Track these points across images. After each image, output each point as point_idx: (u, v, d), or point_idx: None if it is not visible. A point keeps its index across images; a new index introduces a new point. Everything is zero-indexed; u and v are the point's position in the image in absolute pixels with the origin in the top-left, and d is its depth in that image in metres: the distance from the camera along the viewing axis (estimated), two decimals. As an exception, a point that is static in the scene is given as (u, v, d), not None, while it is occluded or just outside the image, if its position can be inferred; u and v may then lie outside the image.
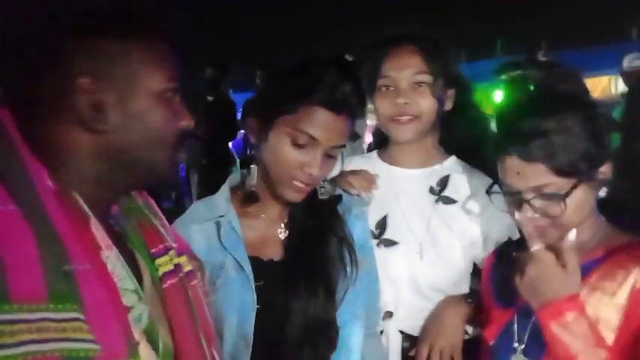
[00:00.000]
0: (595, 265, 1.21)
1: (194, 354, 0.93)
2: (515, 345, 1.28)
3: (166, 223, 1.03)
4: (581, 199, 1.19)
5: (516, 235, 1.38)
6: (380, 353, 1.54)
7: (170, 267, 0.96)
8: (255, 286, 1.36)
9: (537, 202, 1.19)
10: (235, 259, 1.37)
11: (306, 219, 1.44)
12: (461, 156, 1.68)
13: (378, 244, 1.59)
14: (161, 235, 0.98)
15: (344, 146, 1.40)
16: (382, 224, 1.62)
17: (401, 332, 1.59)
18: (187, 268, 1.00)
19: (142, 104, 0.86)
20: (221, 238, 1.39)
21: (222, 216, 1.41)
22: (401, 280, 1.59)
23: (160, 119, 0.88)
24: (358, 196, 1.56)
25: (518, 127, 1.19)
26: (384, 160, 1.71)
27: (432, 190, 1.64)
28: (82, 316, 0.73)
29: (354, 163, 1.67)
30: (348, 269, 1.41)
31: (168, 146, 0.90)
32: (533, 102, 1.24)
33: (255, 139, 1.41)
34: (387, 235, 1.61)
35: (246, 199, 1.45)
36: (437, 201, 1.63)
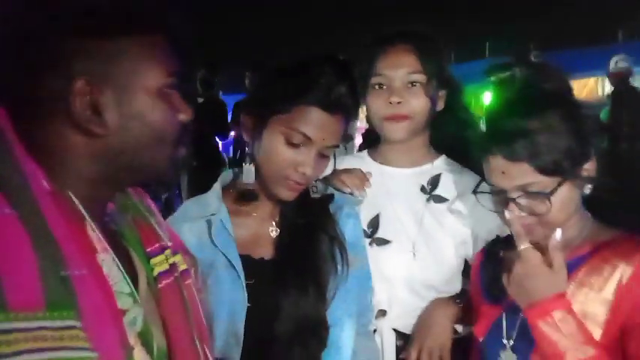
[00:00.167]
0: (581, 261, 1.23)
1: (188, 354, 0.92)
2: (505, 341, 1.29)
3: (161, 219, 1.03)
4: (566, 197, 1.20)
5: (505, 233, 1.40)
6: (372, 351, 1.55)
7: (165, 266, 0.95)
8: (246, 284, 1.36)
9: (523, 201, 1.21)
10: (226, 257, 1.37)
11: (297, 217, 1.44)
12: (450, 155, 1.69)
13: (370, 243, 1.60)
14: (157, 234, 0.97)
15: (338, 146, 1.41)
16: (374, 223, 1.63)
17: (395, 331, 1.60)
18: (182, 266, 0.99)
19: (142, 103, 0.85)
20: (212, 236, 1.39)
21: (213, 214, 1.41)
22: (394, 279, 1.60)
23: (159, 117, 0.86)
24: (351, 194, 1.57)
25: (502, 126, 1.21)
26: (375, 160, 1.72)
27: (423, 189, 1.66)
28: (78, 324, 0.72)
29: (346, 163, 1.68)
30: (339, 268, 1.42)
31: (168, 143, 0.89)
32: (517, 102, 1.26)
33: (249, 138, 1.41)
34: (379, 234, 1.62)
35: (243, 197, 1.45)
36: (428, 200, 1.65)
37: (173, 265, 0.96)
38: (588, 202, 1.27)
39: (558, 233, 1.19)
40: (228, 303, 1.35)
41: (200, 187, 1.63)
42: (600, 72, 6.32)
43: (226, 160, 6.01)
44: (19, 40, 0.81)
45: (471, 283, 1.50)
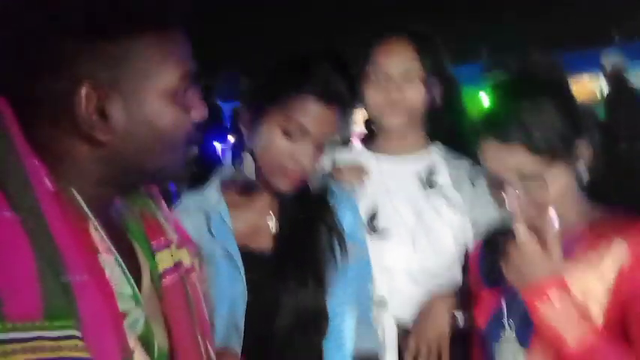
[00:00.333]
0: (578, 240, 1.24)
1: (190, 353, 0.91)
2: (506, 326, 1.30)
3: (168, 211, 1.00)
4: (560, 178, 1.22)
5: (503, 219, 1.40)
6: (373, 340, 1.55)
7: (170, 263, 0.92)
8: (246, 276, 1.37)
9: (519, 184, 1.22)
10: (226, 249, 1.38)
11: (296, 210, 1.45)
12: (446, 145, 1.71)
13: (369, 234, 1.61)
14: (163, 228, 0.95)
15: (334, 137, 1.42)
16: (373, 214, 1.64)
17: (396, 320, 1.61)
18: (187, 262, 0.97)
19: (152, 108, 0.80)
20: (211, 229, 1.40)
21: (212, 207, 1.42)
22: (393, 269, 1.60)
23: (170, 121, 0.81)
24: (350, 187, 1.58)
25: (496, 111, 1.24)
26: (371, 150, 1.73)
27: (420, 178, 1.67)
28: (77, 333, 0.70)
29: (343, 156, 1.69)
30: (339, 259, 1.43)
31: (179, 147, 0.84)
32: (509, 86, 1.28)
33: (246, 130, 1.42)
34: (378, 225, 1.63)
35: (242, 189, 1.46)
36: (425, 188, 1.66)
37: (178, 262, 0.94)
38: (583, 183, 1.28)
39: (553, 215, 1.20)
40: (228, 295, 1.35)
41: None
42: (597, 72, 6.34)
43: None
44: (22, 41, 0.77)
45: (470, 271, 1.51)
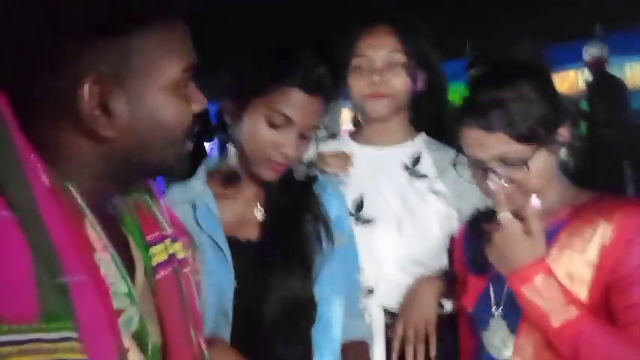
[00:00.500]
0: (563, 224, 1.25)
1: (183, 348, 0.91)
2: (493, 310, 1.31)
3: (163, 204, 0.99)
4: (543, 163, 1.23)
5: (486, 205, 1.42)
6: (362, 330, 1.56)
7: (164, 256, 0.92)
8: (233, 265, 1.37)
9: (501, 170, 1.22)
10: (213, 239, 1.38)
11: (282, 199, 1.45)
12: (430, 134, 1.72)
13: (356, 222, 1.62)
14: (157, 222, 0.94)
15: (318, 127, 1.43)
16: (359, 203, 1.65)
17: (383, 308, 1.62)
18: (181, 255, 0.97)
19: (155, 102, 0.79)
20: (198, 219, 1.40)
21: (198, 198, 1.42)
22: (380, 257, 1.62)
23: (172, 115, 0.81)
24: (335, 175, 1.59)
25: (477, 98, 1.24)
26: (356, 141, 1.74)
27: (405, 167, 1.68)
28: (74, 335, 0.69)
29: (328, 146, 1.70)
30: (325, 246, 1.44)
31: (179, 141, 0.84)
32: (489, 73, 1.28)
33: (230, 120, 1.42)
34: (364, 213, 1.64)
35: (226, 179, 1.46)
36: (411, 177, 1.67)
37: (172, 255, 0.94)
38: (565, 167, 1.29)
39: (534, 200, 1.22)
40: (216, 284, 1.36)
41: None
42: (580, 64, 6.39)
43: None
44: (23, 39, 0.76)
45: (455, 257, 1.52)
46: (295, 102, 1.34)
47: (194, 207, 1.42)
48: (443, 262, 1.65)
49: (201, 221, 1.40)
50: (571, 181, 1.31)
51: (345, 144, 1.73)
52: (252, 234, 1.44)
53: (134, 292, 0.82)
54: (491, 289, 1.33)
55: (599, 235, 1.19)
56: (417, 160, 1.68)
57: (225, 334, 1.35)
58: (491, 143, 1.21)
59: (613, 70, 6.19)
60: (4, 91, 0.75)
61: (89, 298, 0.72)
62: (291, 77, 1.33)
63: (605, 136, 5.31)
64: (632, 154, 5.52)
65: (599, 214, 1.21)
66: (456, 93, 1.72)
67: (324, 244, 1.44)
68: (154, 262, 0.90)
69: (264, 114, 1.35)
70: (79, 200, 0.79)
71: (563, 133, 1.25)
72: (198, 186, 1.44)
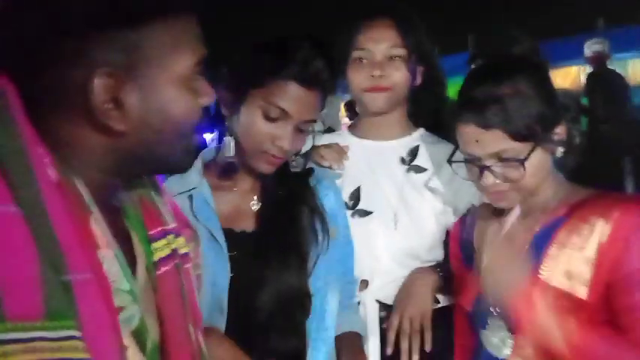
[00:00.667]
0: (560, 222, 1.24)
1: (182, 345, 0.91)
2: (492, 309, 1.30)
3: (167, 198, 0.99)
4: (539, 162, 1.22)
5: (481, 201, 1.42)
6: (356, 323, 1.56)
7: (167, 252, 0.92)
8: (229, 256, 1.38)
9: (497, 168, 1.22)
10: (209, 230, 1.39)
11: (278, 191, 1.46)
12: (428, 129, 1.72)
13: (352, 215, 1.62)
14: (161, 217, 0.94)
15: (315, 121, 1.43)
16: (356, 195, 1.65)
17: (378, 302, 1.62)
18: (183, 250, 0.96)
19: (167, 95, 0.79)
20: (194, 210, 1.40)
21: (195, 189, 1.42)
22: (376, 250, 1.62)
23: (183, 108, 0.81)
24: (330, 168, 1.59)
25: (474, 94, 1.22)
26: (354, 135, 1.74)
27: (402, 161, 1.68)
28: (78, 334, 0.69)
29: (325, 139, 1.70)
30: (320, 238, 1.44)
31: (189, 134, 0.84)
32: (487, 69, 1.28)
33: (227, 112, 1.42)
34: (361, 206, 1.64)
35: (223, 171, 1.46)
36: (408, 170, 1.67)
37: (174, 251, 0.93)
38: (561, 165, 1.28)
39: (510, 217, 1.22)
40: (212, 275, 1.36)
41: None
42: (581, 60, 6.38)
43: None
44: (35, 31, 0.75)
45: (451, 253, 1.52)
46: (292, 95, 1.34)
47: (191, 198, 1.42)
48: (439, 255, 1.65)
49: (198, 212, 1.40)
50: (567, 178, 1.30)
51: (342, 138, 1.73)
52: (248, 226, 1.44)
53: (136, 290, 0.82)
54: None
55: (597, 232, 1.18)
56: (414, 154, 1.68)
57: (220, 324, 1.36)
58: (487, 140, 1.20)
59: (615, 65, 6.18)
60: (15, 81, 0.74)
61: (92, 296, 0.72)
62: (288, 70, 1.33)
63: (605, 132, 5.30)
64: (633, 151, 5.51)
65: (597, 212, 1.19)
66: (455, 88, 1.72)
67: (320, 236, 1.44)
68: (156, 257, 0.90)
69: (261, 107, 1.35)
70: (86, 195, 0.79)
71: (560, 131, 1.24)
72: (195, 177, 1.44)
